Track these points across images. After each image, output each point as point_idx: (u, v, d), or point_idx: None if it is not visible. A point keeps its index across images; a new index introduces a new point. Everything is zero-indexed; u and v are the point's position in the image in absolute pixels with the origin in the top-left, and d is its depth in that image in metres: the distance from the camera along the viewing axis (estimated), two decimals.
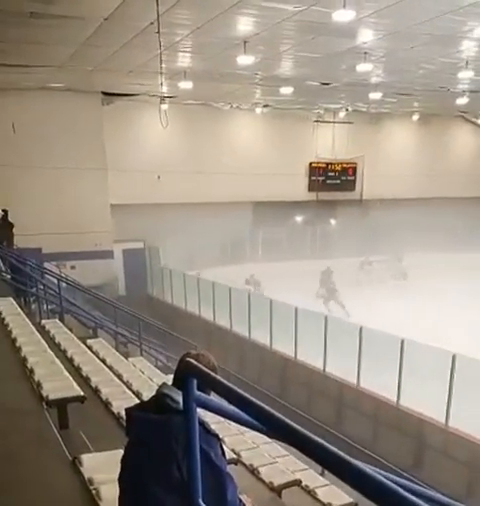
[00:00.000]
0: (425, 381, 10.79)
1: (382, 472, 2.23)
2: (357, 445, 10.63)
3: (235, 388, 1.85)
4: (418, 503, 1.18)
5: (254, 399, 1.77)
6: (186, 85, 18.01)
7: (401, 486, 1.27)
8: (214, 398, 2.16)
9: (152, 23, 12.33)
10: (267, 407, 1.71)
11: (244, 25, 13.04)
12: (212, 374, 2.08)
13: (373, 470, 1.35)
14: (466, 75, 17.44)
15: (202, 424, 2.28)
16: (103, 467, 3.65)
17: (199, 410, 2.13)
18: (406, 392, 10.86)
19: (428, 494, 3.59)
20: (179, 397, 2.33)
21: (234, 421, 2.34)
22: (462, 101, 22.09)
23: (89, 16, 12.26)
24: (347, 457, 1.36)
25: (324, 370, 13.01)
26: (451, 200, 27.21)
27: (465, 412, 9.83)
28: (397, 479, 3.01)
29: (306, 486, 6.07)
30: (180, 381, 2.31)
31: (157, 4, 11.11)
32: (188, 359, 2.21)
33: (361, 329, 11.82)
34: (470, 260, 23.22)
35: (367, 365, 11.86)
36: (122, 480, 2.55)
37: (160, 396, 2.50)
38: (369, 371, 11.83)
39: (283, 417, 1.62)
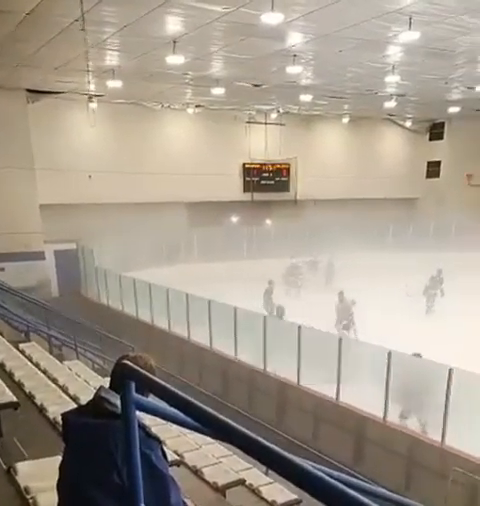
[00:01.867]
0: (364, 378, 10.94)
1: (322, 468, 2.23)
2: (299, 442, 10.66)
3: (174, 389, 1.81)
4: (356, 497, 1.20)
5: (193, 400, 1.73)
6: (115, 84, 17.64)
7: (341, 481, 1.29)
8: (153, 400, 2.09)
9: (77, 20, 12.00)
10: (206, 407, 1.68)
11: (173, 25, 12.88)
12: (150, 376, 2.02)
13: (313, 466, 1.35)
14: (393, 79, 17.91)
15: (142, 427, 2.23)
16: (39, 475, 3.57)
17: (139, 413, 2.07)
18: (346, 389, 10.88)
19: (367, 488, 3.63)
20: (117, 400, 2.27)
21: (174, 423, 2.30)
22: (390, 104, 22.70)
23: (10, 10, 11.78)
24: (286, 454, 1.36)
25: (265, 369, 12.91)
26: (381, 201, 27.96)
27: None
28: (337, 474, 3.04)
29: (250, 485, 6.05)
30: (118, 384, 2.28)
31: (81, 1, 10.82)
32: (125, 362, 2.15)
33: (299, 328, 11.80)
34: (398, 260, 23.74)
35: (307, 364, 11.84)
36: (61, 487, 2.46)
37: (98, 400, 2.43)
38: (310, 369, 11.82)
39: (222, 417, 1.61)
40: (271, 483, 6.09)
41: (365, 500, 1.19)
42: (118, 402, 2.24)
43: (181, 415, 1.89)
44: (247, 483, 6.03)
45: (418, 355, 10.54)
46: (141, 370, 2.07)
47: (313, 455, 9.94)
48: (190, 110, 23.94)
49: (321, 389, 11.44)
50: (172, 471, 2.50)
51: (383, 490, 3.71)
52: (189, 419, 1.84)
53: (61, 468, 2.49)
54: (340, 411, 10.93)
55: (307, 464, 1.33)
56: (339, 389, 10.93)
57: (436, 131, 29.91)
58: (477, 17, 12.35)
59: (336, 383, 10.94)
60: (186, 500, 2.85)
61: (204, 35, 13.54)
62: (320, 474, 1.27)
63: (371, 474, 9.14)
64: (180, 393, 1.79)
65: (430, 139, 30.27)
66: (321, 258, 23.79)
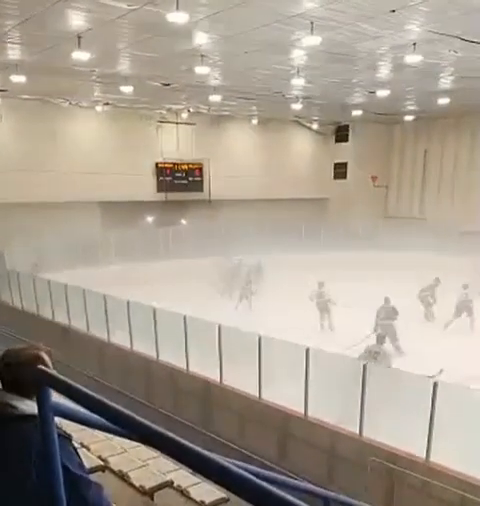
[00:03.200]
0: (286, 376, 11.20)
1: (244, 465, 2.26)
2: (227, 442, 10.81)
3: (92, 393, 1.77)
4: (278, 493, 1.22)
5: (112, 403, 1.70)
6: (19, 79, 17.11)
7: (261, 477, 1.37)
8: (70, 404, 2.03)
9: None
10: (124, 410, 1.65)
11: (76, 20, 12.61)
12: (67, 380, 1.91)
13: (233, 464, 1.36)
14: (298, 82, 18.41)
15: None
16: None
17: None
18: (269, 388, 11.04)
19: (289, 482, 3.70)
20: (17, 402, 2.24)
21: (95, 428, 2.35)
22: (297, 107, 23.33)
23: None
24: (205, 453, 1.37)
25: (187, 370, 12.86)
26: (293, 201, 28.67)
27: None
28: (258, 470, 3.07)
29: (178, 486, 5.99)
30: (11, 384, 2.26)
31: None
32: (41, 367, 2.01)
33: (220, 327, 11.84)
34: (307, 261, 24.37)
35: (228, 362, 11.89)
36: None
37: (2, 407, 2.31)
38: (232, 368, 11.89)
39: (141, 418, 1.59)
40: (199, 483, 6.10)
41: (287, 496, 1.22)
42: (17, 403, 2.24)
43: (100, 419, 1.86)
44: (175, 485, 5.98)
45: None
46: (59, 376, 1.97)
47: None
48: (99, 108, 23.59)
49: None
50: (97, 477, 2.44)
51: (308, 484, 3.77)
52: (109, 423, 1.81)
53: None
54: (264, 410, 11.06)
55: (226, 462, 1.34)
56: (261, 389, 11.08)
57: (341, 133, 31.01)
58: (373, 24, 12.95)
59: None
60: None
61: (110, 32, 13.36)
62: (240, 472, 1.29)
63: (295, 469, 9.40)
64: (99, 397, 1.75)
65: (336, 141, 31.36)
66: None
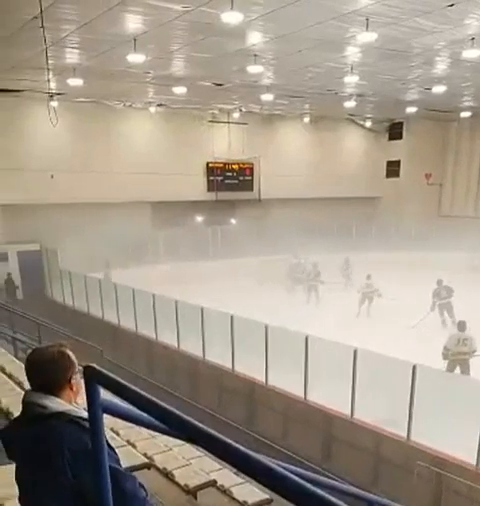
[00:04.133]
0: (331, 377, 11.05)
1: (289, 467, 2.27)
2: (270, 442, 10.81)
3: (140, 392, 1.80)
4: (320, 493, 1.22)
5: (159, 401, 1.72)
6: (76, 82, 17.53)
7: (306, 478, 1.32)
8: (120, 403, 2.05)
9: (36, 17, 11.89)
10: (172, 409, 1.67)
11: (132, 23, 12.85)
12: (116, 378, 1.95)
13: (279, 466, 1.36)
14: (352, 79, 18.20)
15: (76, 422, 2.22)
16: (6, 482, 3.33)
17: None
18: (313, 388, 11.00)
19: (333, 484, 3.69)
20: (45, 401, 2.26)
21: (142, 426, 2.37)
22: (350, 104, 23.05)
23: None
24: (252, 454, 1.37)
25: (233, 369, 12.91)
26: (345, 199, 28.36)
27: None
28: (302, 472, 3.07)
29: (221, 486, 6.01)
30: (38, 383, 2.28)
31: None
32: (91, 365, 2.00)
33: (267, 327, 11.83)
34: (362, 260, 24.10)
35: (275, 363, 11.87)
36: (21, 502, 2.41)
37: (27, 406, 2.36)
38: (277, 369, 11.85)
39: (189, 418, 1.61)
40: (242, 483, 6.09)
41: (331, 498, 1.22)
42: (46, 402, 2.26)
43: (147, 417, 1.87)
44: (218, 484, 6.00)
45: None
46: (108, 373, 1.99)
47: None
48: (152, 109, 23.88)
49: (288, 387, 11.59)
50: (143, 474, 2.46)
51: (352, 487, 3.76)
52: (156, 421, 1.81)
53: (18, 484, 2.44)
54: (308, 410, 11.02)
55: (271, 463, 1.34)
56: (307, 389, 11.03)
57: (395, 131, 30.45)
58: (430, 19, 12.69)
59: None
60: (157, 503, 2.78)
61: (164, 34, 13.55)
62: (285, 473, 1.29)
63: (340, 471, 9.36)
64: (147, 395, 1.77)
65: (389, 139, 30.83)
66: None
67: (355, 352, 9.97)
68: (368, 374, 10.07)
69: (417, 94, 21.89)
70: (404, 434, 9.29)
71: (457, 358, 11.96)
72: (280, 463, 1.66)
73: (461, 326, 12.24)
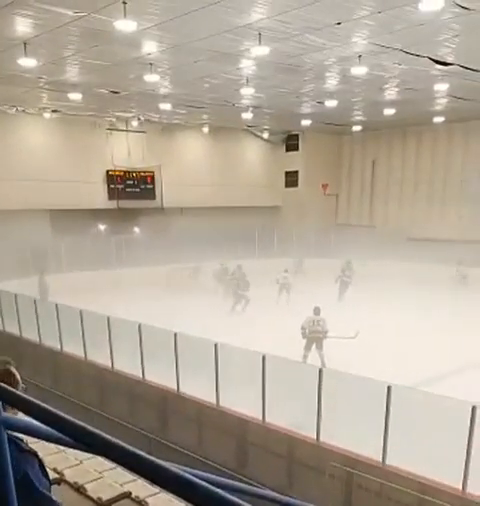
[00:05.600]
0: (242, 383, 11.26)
1: (201, 474, 2.24)
2: (184, 450, 10.72)
3: (44, 405, 1.70)
4: (233, 500, 1.19)
5: (64, 415, 1.63)
6: None
7: (220, 485, 1.32)
8: (24, 418, 1.93)
9: None
10: (78, 421, 1.60)
11: (23, 26, 12.43)
12: (18, 393, 1.85)
13: (189, 473, 1.32)
14: (248, 92, 18.58)
15: (14, 442, 2.09)
16: None
17: None
18: (225, 395, 11.06)
19: (247, 489, 3.70)
20: None
21: (48, 441, 2.15)
22: (247, 116, 23.53)
23: None
24: (159, 462, 1.33)
25: (143, 378, 12.75)
26: (247, 209, 28.88)
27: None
28: (216, 478, 3.06)
29: (137, 497, 5.88)
30: None
31: None
32: None
33: (176, 335, 11.79)
34: (266, 265, 24.76)
35: (185, 370, 11.89)
36: None
37: None
38: (188, 375, 11.89)
39: (95, 430, 1.54)
40: (158, 493, 6.05)
41: (242, 502, 1.19)
42: None
43: (53, 431, 1.77)
44: (133, 496, 5.91)
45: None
46: (8, 388, 1.88)
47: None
48: (47, 115, 23.20)
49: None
50: (53, 489, 2.39)
51: (267, 491, 3.80)
52: (63, 435, 1.72)
53: None
54: (222, 416, 11.08)
55: (182, 471, 1.29)
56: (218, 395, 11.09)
57: (292, 142, 31.43)
58: (320, 36, 13.23)
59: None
60: None
61: (56, 39, 13.22)
62: (194, 479, 1.25)
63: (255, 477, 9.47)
64: (52, 409, 1.68)
65: (287, 150, 31.75)
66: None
67: (263, 358, 10.18)
68: (278, 378, 10.34)
69: (311, 107, 22.72)
70: (314, 436, 9.56)
71: (313, 336, 14.11)
72: (191, 470, 1.66)
73: (316, 310, 14.41)
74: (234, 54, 14.73)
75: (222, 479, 3.22)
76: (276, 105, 22.06)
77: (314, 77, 17.48)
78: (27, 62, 14.37)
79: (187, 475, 1.27)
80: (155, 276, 22.98)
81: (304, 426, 9.82)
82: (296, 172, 31.59)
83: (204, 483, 1.25)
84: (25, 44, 13.35)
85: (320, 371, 9.44)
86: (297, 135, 30.94)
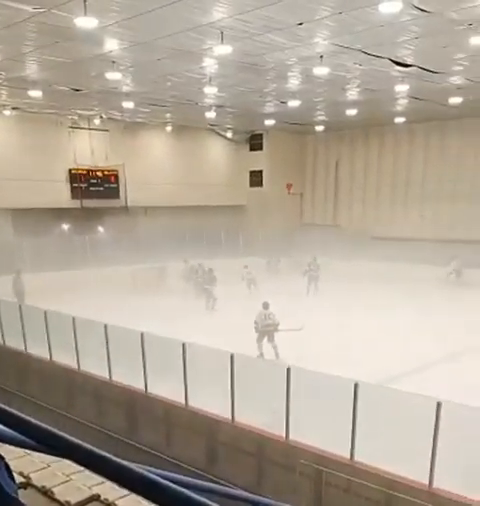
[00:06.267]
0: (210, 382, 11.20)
1: (167, 474, 2.19)
2: (153, 451, 10.67)
3: (6, 408, 1.63)
4: (199, 500, 1.16)
5: (25, 416, 1.52)
6: None
7: (187, 485, 1.27)
8: None
9: None
10: (41, 423, 1.50)
11: None
12: None
13: (154, 472, 1.28)
14: (210, 90, 18.57)
15: None
16: None
17: None
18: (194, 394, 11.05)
19: (216, 488, 3.65)
20: None
21: (12, 444, 2.10)
22: (210, 115, 23.52)
23: None
24: (123, 462, 1.28)
25: (111, 379, 12.63)
26: (212, 208, 28.85)
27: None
28: (183, 478, 3.03)
29: (106, 499, 5.79)
30: None
31: None
32: None
33: (142, 335, 11.71)
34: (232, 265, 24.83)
35: (153, 369, 11.82)
36: None
37: None
38: (156, 376, 11.81)
39: (60, 432, 1.44)
40: (127, 495, 5.99)
41: (209, 502, 1.17)
42: None
43: (19, 435, 1.63)
44: (102, 498, 5.82)
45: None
46: None
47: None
48: (7, 112, 22.78)
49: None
50: (19, 493, 2.37)
51: (234, 490, 3.80)
52: (28, 439, 1.60)
53: None
54: (191, 416, 11.03)
55: (147, 472, 1.25)
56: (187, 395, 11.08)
57: (255, 142, 31.51)
58: (281, 36, 13.32)
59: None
60: None
61: (15, 34, 13.02)
62: (158, 480, 1.21)
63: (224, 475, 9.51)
64: (15, 411, 1.65)
65: (251, 149, 31.82)
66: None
67: (232, 357, 10.19)
68: (247, 378, 10.29)
69: (274, 107, 22.83)
70: (283, 434, 9.62)
71: (265, 329, 14.67)
72: (157, 471, 1.61)
73: (265, 305, 15.02)
74: (197, 52, 14.71)
75: (190, 479, 3.21)
76: (239, 104, 22.10)
77: (276, 76, 17.56)
78: None
79: (152, 475, 1.24)
80: (120, 276, 22.75)
81: (274, 425, 9.87)
82: (260, 171, 31.68)
83: (170, 483, 1.22)
84: None
85: (288, 370, 9.46)
86: (261, 134, 31.04)
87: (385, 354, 13.92)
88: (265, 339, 14.69)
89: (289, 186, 32.12)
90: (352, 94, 20.24)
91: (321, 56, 14.89)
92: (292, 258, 26.52)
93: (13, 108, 22.55)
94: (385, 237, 26.48)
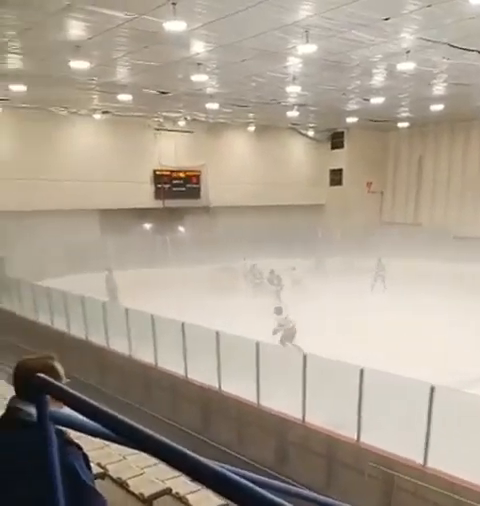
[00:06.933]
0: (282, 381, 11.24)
1: (240, 471, 2.20)
2: (225, 448, 10.88)
3: (90, 401, 1.74)
4: (273, 499, 1.20)
5: (110, 411, 1.68)
6: (19, 88, 17.34)
7: (259, 483, 1.34)
8: (70, 412, 1.96)
9: None
10: (123, 418, 1.63)
11: (76, 29, 12.80)
12: (65, 388, 1.91)
13: (228, 470, 1.35)
14: (294, 90, 18.63)
15: (60, 435, 2.10)
16: None
17: None
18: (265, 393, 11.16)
19: (286, 488, 3.72)
20: (31, 409, 2.17)
21: (93, 435, 2.26)
22: (292, 114, 23.56)
23: None
24: (202, 459, 1.35)
25: (186, 375, 12.92)
26: (291, 207, 28.89)
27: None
28: (255, 477, 3.11)
29: (177, 493, 5.90)
30: (26, 392, 2.25)
31: None
32: (40, 375, 1.96)
33: (217, 333, 11.93)
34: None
35: (228, 369, 12.01)
36: None
37: (12, 411, 2.38)
38: (232, 375, 12.01)
39: (140, 427, 1.57)
40: (198, 490, 6.13)
41: (282, 501, 1.20)
42: (32, 410, 2.16)
43: (98, 427, 1.80)
44: (174, 492, 5.95)
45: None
46: (55, 382, 1.97)
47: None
48: (97, 116, 23.75)
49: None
50: (97, 483, 2.46)
51: (305, 491, 3.78)
52: (108, 431, 1.76)
53: None
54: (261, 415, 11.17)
55: (222, 469, 1.31)
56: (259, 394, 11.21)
57: (337, 140, 31.23)
58: (367, 32, 13.18)
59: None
60: None
61: (108, 41, 13.55)
62: (234, 477, 1.26)
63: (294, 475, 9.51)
64: (96, 404, 1.71)
65: (332, 148, 31.58)
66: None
67: (305, 357, 10.28)
68: (319, 377, 10.30)
69: (357, 104, 22.57)
70: (354, 436, 9.53)
71: (286, 334, 15.24)
72: (231, 468, 1.67)
73: (278, 311, 15.59)
74: (281, 52, 14.80)
75: (261, 477, 3.28)
76: (322, 103, 22.02)
77: (360, 74, 17.37)
78: (79, 64, 14.77)
79: (228, 473, 1.29)
80: (199, 275, 23.16)
81: (344, 425, 9.81)
82: (340, 170, 31.39)
83: (243, 480, 1.25)
84: (78, 47, 13.75)
85: (361, 371, 9.34)
86: (342, 132, 30.74)
87: (456, 356, 13.50)
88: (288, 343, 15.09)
89: (369, 184, 31.62)
90: (438, 89, 19.69)
91: (407, 51, 14.60)
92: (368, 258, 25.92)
93: (103, 112, 23.50)
94: (468, 236, 25.52)
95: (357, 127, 28.76)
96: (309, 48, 13.84)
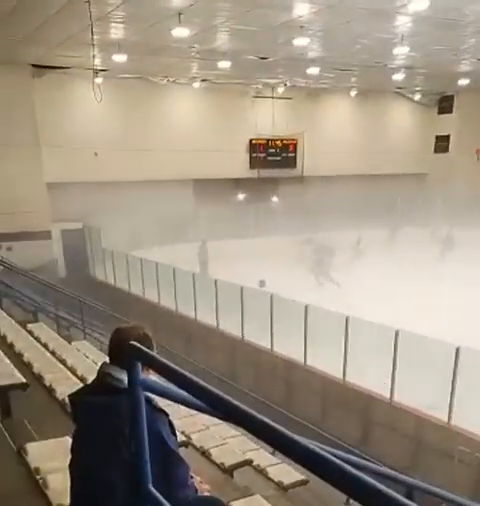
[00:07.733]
0: (370, 358, 10.94)
1: (327, 448, 2.27)
2: (308, 424, 10.67)
3: (180, 370, 1.83)
4: (361, 476, 1.21)
5: (199, 380, 1.75)
6: (120, 58, 17.53)
7: (345, 461, 1.33)
8: (159, 380, 2.14)
9: None
10: (213, 388, 1.70)
11: None
12: (156, 356, 2.03)
13: (318, 447, 1.37)
14: (402, 51, 17.63)
15: (148, 401, 2.22)
16: (50, 455, 3.62)
17: None
18: (351, 369, 10.98)
19: (372, 467, 3.70)
20: (122, 375, 2.31)
21: (181, 404, 2.34)
22: (398, 77, 22.45)
23: None
24: (292, 435, 1.38)
25: (272, 350, 12.91)
26: (390, 176, 27.72)
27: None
28: (342, 454, 3.10)
29: (258, 465, 6.13)
30: (120, 360, 2.32)
31: None
32: (132, 343, 2.08)
33: (306, 308, 11.79)
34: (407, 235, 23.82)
35: (313, 344, 11.89)
36: (73, 468, 2.48)
37: (102, 376, 2.47)
38: (315, 350, 11.88)
39: (229, 398, 1.63)
40: (278, 464, 6.15)
41: (369, 479, 1.20)
42: (122, 376, 2.30)
43: (187, 396, 1.90)
44: (254, 464, 6.08)
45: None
46: (148, 351, 2.07)
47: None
48: (196, 84, 23.67)
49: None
50: (180, 451, 2.53)
51: (390, 470, 3.77)
52: (195, 400, 1.85)
53: (72, 449, 2.50)
54: (347, 392, 10.98)
55: (312, 445, 1.33)
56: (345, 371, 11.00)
57: (445, 104, 29.46)
58: None
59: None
60: (196, 477, 2.87)
61: (209, 7, 13.42)
62: (325, 454, 1.28)
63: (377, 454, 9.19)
64: (186, 373, 1.79)
65: (439, 112, 29.87)
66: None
67: (396, 333, 9.89)
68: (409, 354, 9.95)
69: (470, 65, 21.10)
70: (445, 418, 9.19)
71: None
72: (316, 444, 1.67)
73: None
74: (389, 11, 14.02)
75: (347, 455, 3.17)
76: (431, 64, 20.71)
77: (475, 31, 16.12)
78: (180, 32, 14.67)
79: (315, 448, 1.31)
80: (289, 246, 22.64)
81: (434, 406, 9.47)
82: (448, 136, 29.66)
83: (330, 456, 1.27)
84: (180, 14, 13.59)
85: (457, 350, 8.91)
86: (452, 96, 28.91)
87: None
88: None
89: (479, 151, 29.69)
90: None
91: None
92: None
93: (202, 80, 23.39)
94: None
95: (469, 90, 26.88)
96: (420, 5, 13.07)
